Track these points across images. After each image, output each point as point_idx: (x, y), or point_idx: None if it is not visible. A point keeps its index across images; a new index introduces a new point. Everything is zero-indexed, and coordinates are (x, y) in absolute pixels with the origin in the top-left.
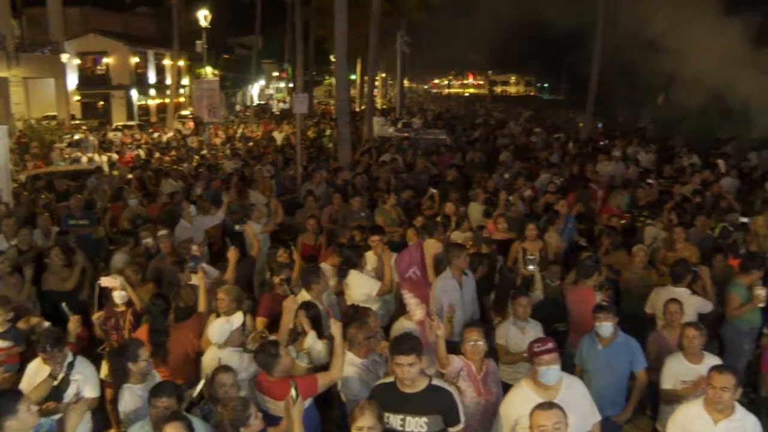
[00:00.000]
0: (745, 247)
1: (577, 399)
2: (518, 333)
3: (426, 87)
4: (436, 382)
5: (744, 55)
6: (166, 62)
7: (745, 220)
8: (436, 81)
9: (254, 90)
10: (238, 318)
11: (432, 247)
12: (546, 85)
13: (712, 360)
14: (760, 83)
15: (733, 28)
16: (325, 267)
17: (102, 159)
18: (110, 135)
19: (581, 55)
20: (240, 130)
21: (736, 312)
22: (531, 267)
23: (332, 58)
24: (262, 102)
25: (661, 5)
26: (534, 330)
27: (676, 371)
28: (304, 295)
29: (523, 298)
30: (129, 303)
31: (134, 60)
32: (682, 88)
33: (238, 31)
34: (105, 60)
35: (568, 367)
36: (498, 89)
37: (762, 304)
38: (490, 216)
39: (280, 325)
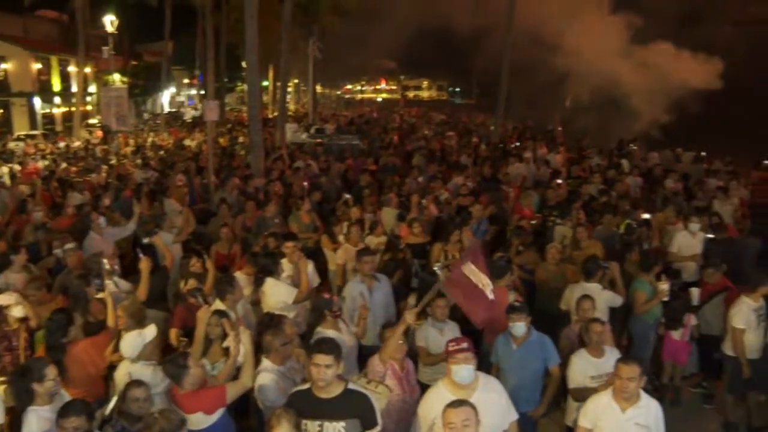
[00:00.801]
0: (648, 242)
1: (492, 398)
2: (437, 334)
3: (339, 92)
4: (352, 386)
5: (628, 51)
6: (72, 69)
7: (647, 216)
8: (349, 86)
9: (165, 97)
10: (150, 331)
11: (345, 252)
12: (458, 89)
13: (613, 353)
14: (642, 77)
15: (618, 26)
16: (240, 276)
17: (2, 170)
18: (11, 145)
19: (490, 59)
20: (150, 139)
21: (643, 308)
22: (437, 269)
23: (244, 65)
24: (173, 110)
25: (555, 7)
26: (452, 331)
27: (583, 368)
28: (218, 305)
29: (441, 300)
30: (24, 320)
31: (36, 66)
32: (577, 85)
33: (146, 37)
34: (3, 66)
35: (486, 366)
36: (410, 94)
37: (666, 298)
38: (404, 220)
39: (194, 336)
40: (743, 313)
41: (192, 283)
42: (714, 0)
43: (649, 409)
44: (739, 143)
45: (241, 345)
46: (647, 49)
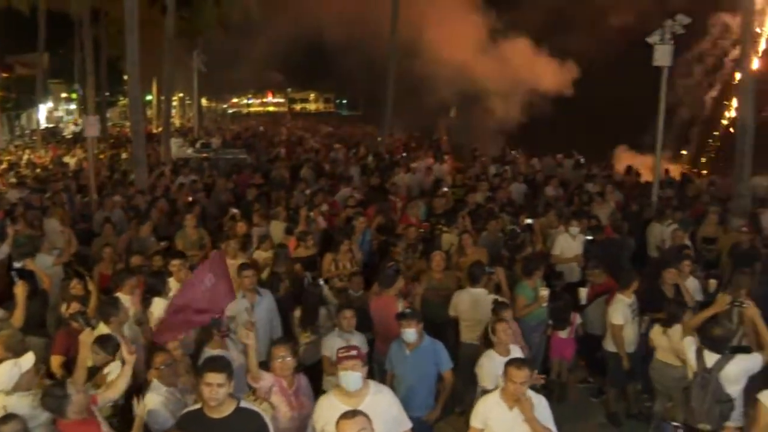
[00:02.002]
0: (532, 247)
1: (383, 406)
2: (343, 344)
3: (225, 106)
4: (244, 404)
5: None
6: None
7: (530, 221)
8: (236, 100)
9: (41, 112)
10: (27, 360)
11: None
12: (344, 101)
13: (517, 351)
14: (498, 72)
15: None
16: (124, 297)
17: None
18: None
19: (375, 70)
20: (26, 156)
21: (523, 311)
22: (321, 283)
23: (126, 78)
24: (51, 125)
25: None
26: (358, 341)
27: (494, 368)
28: (102, 328)
29: (347, 311)
30: None
31: None
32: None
33: (19, 48)
34: None
35: (379, 375)
36: (298, 107)
37: (545, 303)
38: (292, 233)
39: (77, 362)
40: (620, 309)
41: (74, 306)
42: (576, 9)
43: (537, 406)
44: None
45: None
46: (507, 49)
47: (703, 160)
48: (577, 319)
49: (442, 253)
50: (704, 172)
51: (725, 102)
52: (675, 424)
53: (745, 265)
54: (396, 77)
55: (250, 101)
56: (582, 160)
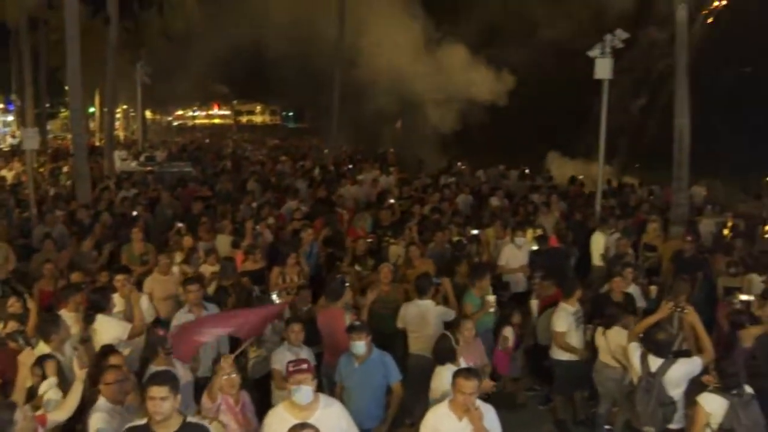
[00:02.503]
0: (479, 257)
1: (333, 419)
2: (292, 358)
3: (170, 118)
4: (191, 419)
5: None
6: None
7: (476, 232)
8: (181, 112)
9: None
10: None
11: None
12: (291, 113)
13: (463, 362)
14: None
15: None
16: (66, 314)
17: None
18: None
19: (321, 82)
20: None
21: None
22: (274, 296)
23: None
24: None
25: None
26: (306, 355)
27: (447, 379)
28: (42, 348)
29: (296, 325)
30: None
31: None
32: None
33: None
34: None
35: (328, 388)
36: (244, 119)
37: (492, 309)
38: (239, 247)
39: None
40: (563, 317)
41: (12, 325)
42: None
43: (486, 416)
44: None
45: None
46: (444, 58)
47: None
48: (508, 332)
49: (390, 265)
50: (634, 180)
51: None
52: (607, 427)
53: (685, 271)
54: (341, 88)
55: (195, 113)
56: (526, 171)
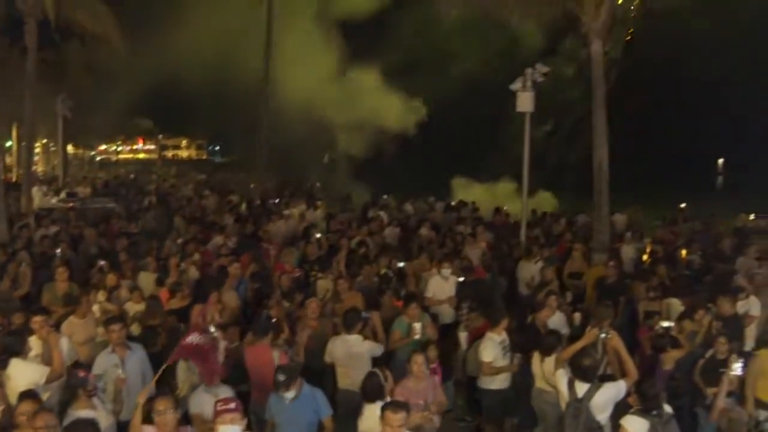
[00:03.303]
0: (405, 289)
1: None
2: (211, 399)
3: (93, 153)
4: None
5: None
6: None
7: (402, 265)
8: (104, 147)
9: None
10: None
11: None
12: (217, 147)
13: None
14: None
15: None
16: None
17: None
18: None
19: (248, 116)
20: None
21: (398, 343)
22: (212, 329)
23: None
24: None
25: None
26: (225, 395)
27: (375, 417)
28: None
29: None
30: None
31: None
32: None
33: None
34: None
35: (257, 426)
36: (169, 153)
37: (418, 336)
38: (164, 284)
39: None
40: (489, 347)
41: None
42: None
43: None
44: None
45: None
46: (357, 84)
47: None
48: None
49: (317, 300)
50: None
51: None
52: None
53: (607, 297)
54: (268, 120)
55: (119, 148)
56: (452, 203)
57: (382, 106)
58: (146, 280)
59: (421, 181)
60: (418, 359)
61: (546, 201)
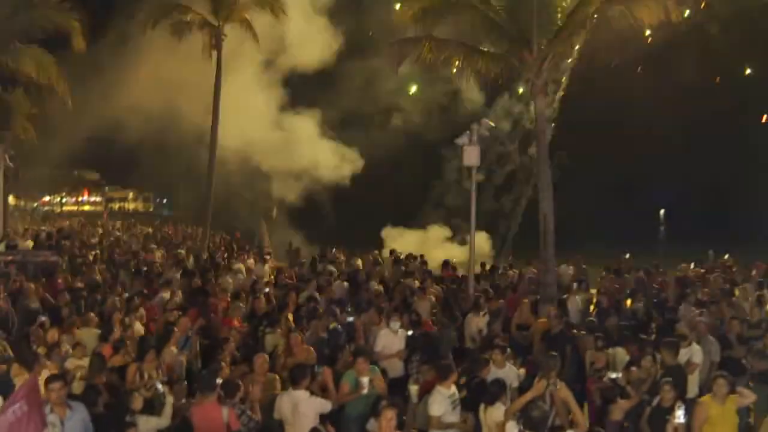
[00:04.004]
0: (354, 343)
1: None
2: None
3: (36, 204)
4: None
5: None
6: None
7: (350, 319)
8: (48, 198)
9: None
10: None
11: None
12: (165, 200)
13: None
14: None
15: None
16: None
17: None
18: None
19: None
20: None
21: (345, 398)
22: (159, 387)
23: None
24: None
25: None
26: None
27: None
28: None
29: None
30: None
31: None
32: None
33: None
34: None
35: None
36: (116, 206)
37: (365, 391)
38: (107, 340)
39: None
40: (438, 401)
41: None
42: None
43: None
44: None
45: None
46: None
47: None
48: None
49: (265, 356)
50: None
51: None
52: None
53: (555, 348)
54: (211, 170)
55: (64, 200)
56: (401, 257)
57: (320, 156)
58: (89, 336)
59: (354, 232)
60: (389, 414)
61: (481, 240)
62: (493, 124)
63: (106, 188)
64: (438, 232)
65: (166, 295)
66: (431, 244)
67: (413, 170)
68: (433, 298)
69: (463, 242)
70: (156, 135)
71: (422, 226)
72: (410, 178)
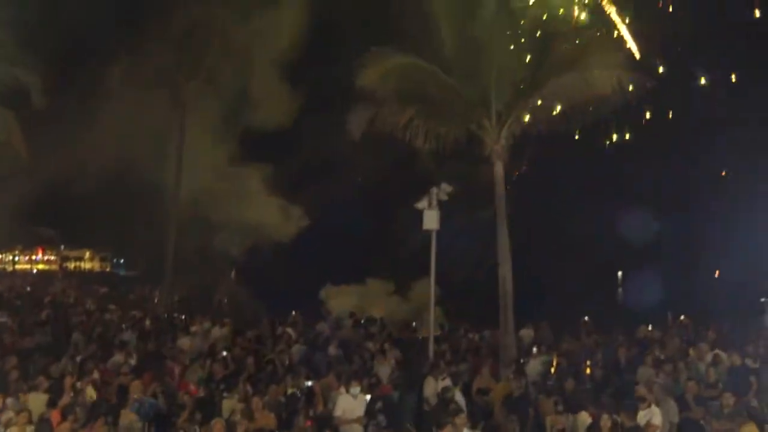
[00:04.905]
0: (314, 409)
1: None
2: None
3: None
4: None
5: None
6: None
7: (309, 383)
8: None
9: None
10: None
11: None
12: (122, 260)
13: None
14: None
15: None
16: None
17: None
18: None
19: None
20: None
21: None
22: None
23: None
24: None
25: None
26: None
27: None
28: None
29: None
30: None
31: None
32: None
33: None
34: None
35: None
36: (71, 265)
37: None
38: (56, 405)
39: None
40: None
41: None
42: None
43: None
44: None
45: None
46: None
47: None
48: None
49: (222, 421)
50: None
51: None
52: None
53: (515, 412)
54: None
55: (16, 258)
56: (362, 321)
57: (266, 212)
58: (36, 401)
59: (295, 290)
60: None
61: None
62: (451, 188)
63: (62, 246)
64: (379, 286)
65: (121, 357)
66: (372, 300)
67: (360, 227)
68: (393, 361)
69: (406, 296)
70: (114, 192)
71: (363, 281)
72: (357, 234)
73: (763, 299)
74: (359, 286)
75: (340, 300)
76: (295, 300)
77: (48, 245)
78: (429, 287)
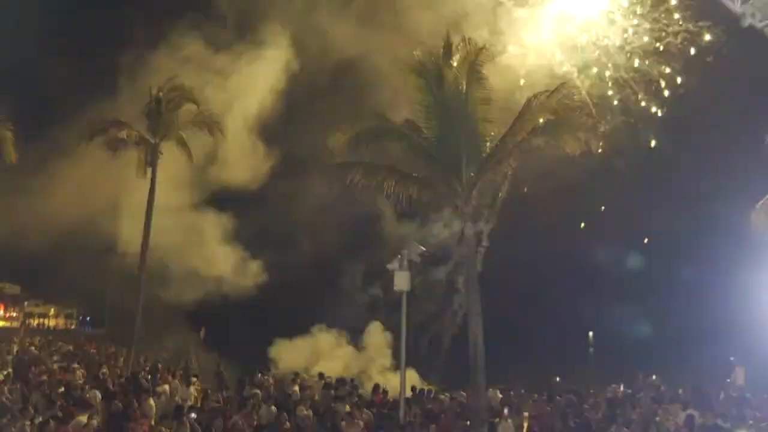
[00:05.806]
0: None
1: None
2: None
3: None
4: None
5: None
6: None
7: None
8: None
9: None
10: None
11: None
12: (89, 318)
13: None
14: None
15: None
16: None
17: None
18: None
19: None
20: None
21: None
22: None
23: None
24: None
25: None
26: None
27: None
28: None
29: None
30: None
31: None
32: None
33: None
34: None
35: None
36: (35, 322)
37: None
38: None
39: None
40: None
41: None
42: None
43: None
44: None
45: None
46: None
47: None
48: None
49: None
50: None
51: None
52: None
53: None
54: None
55: None
56: (329, 380)
57: (225, 266)
58: None
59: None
60: None
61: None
62: (422, 249)
63: (26, 303)
64: (328, 338)
65: (83, 418)
66: (322, 353)
67: (314, 284)
68: (362, 424)
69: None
70: (78, 248)
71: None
72: (310, 290)
73: (732, 358)
74: (309, 339)
75: (289, 355)
76: (251, 357)
77: (11, 302)
78: (381, 335)
